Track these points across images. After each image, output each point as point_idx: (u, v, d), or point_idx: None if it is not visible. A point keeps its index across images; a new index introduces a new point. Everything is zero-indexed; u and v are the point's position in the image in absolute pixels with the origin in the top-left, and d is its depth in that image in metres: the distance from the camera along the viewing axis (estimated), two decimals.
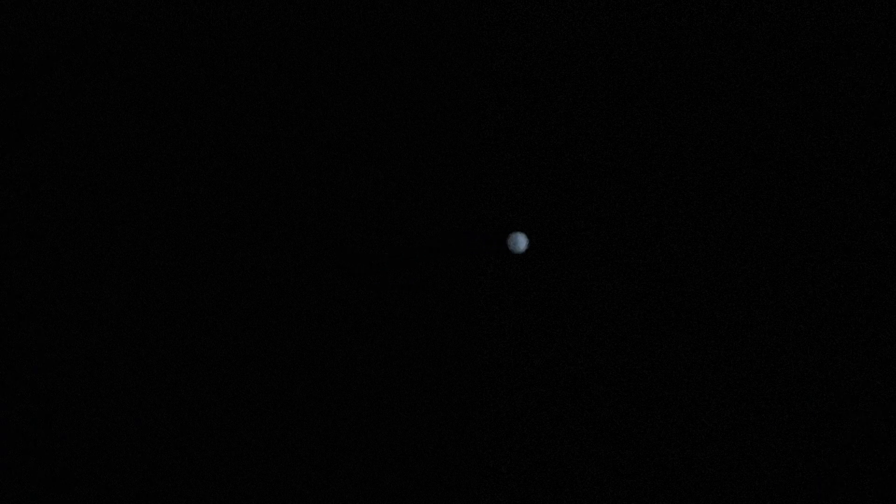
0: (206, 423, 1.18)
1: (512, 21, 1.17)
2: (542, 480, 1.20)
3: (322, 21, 1.17)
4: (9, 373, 1.15)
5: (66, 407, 1.16)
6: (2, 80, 1.12)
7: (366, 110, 1.19)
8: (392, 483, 1.20)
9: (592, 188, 1.19)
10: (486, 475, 1.20)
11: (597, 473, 1.19)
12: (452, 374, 1.21)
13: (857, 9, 1.14)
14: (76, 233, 1.15)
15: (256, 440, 1.19)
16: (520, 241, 1.09)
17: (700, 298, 1.18)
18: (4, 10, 1.07)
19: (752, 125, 1.16)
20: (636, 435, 1.19)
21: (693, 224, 1.18)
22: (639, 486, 1.19)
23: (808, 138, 1.16)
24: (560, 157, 1.19)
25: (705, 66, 1.16)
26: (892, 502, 1.17)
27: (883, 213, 1.16)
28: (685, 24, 1.15)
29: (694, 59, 1.16)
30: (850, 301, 1.17)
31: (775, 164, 1.16)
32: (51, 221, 1.15)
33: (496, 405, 1.21)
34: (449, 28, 1.18)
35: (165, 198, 1.16)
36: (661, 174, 1.18)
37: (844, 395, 1.17)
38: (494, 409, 1.21)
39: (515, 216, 1.20)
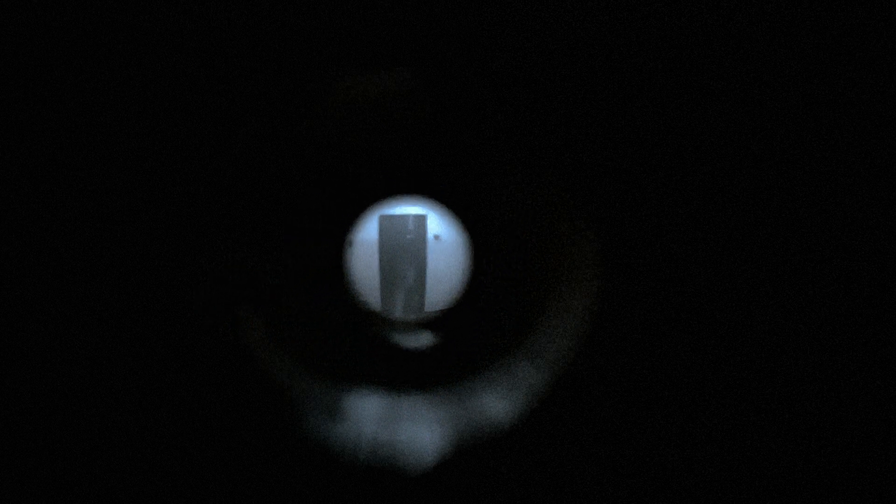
0: (205, 421, 1.18)
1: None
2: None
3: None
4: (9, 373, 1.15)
5: (65, 406, 1.16)
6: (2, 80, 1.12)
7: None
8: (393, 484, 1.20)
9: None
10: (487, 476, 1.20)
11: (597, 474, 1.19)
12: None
13: (857, 9, 1.14)
14: (76, 232, 1.15)
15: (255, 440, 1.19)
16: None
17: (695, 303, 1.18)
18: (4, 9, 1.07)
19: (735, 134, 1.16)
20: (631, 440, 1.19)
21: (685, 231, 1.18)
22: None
23: (808, 138, 1.16)
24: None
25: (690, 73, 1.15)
26: (892, 502, 1.17)
27: (883, 213, 1.16)
28: (685, 24, 1.15)
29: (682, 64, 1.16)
30: (850, 301, 1.17)
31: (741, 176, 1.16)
32: (51, 221, 1.15)
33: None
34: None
35: (165, 197, 1.16)
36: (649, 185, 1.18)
37: (844, 395, 1.17)
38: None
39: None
